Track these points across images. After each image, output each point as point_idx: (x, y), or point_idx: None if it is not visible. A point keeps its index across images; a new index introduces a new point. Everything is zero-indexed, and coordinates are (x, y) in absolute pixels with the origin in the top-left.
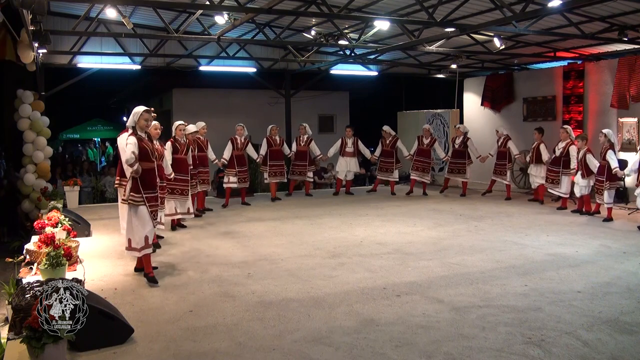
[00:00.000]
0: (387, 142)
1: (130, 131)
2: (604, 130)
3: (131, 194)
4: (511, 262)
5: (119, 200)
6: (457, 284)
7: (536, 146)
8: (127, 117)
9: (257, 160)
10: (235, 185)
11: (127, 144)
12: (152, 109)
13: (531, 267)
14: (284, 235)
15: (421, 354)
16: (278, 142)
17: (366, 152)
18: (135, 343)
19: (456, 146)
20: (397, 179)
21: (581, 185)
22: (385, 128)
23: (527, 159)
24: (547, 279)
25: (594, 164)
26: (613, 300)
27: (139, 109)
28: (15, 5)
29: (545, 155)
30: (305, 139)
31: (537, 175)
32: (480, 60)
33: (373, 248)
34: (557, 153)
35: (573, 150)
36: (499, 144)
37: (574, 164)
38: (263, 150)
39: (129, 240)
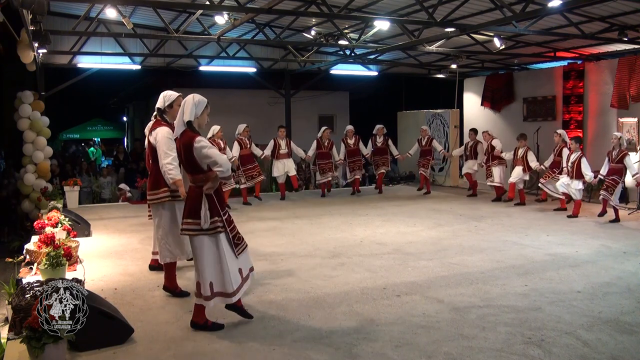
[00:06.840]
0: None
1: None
2: (559, 131)
3: (214, 217)
4: (511, 262)
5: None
6: (457, 284)
7: (473, 144)
8: (127, 117)
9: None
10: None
11: (206, 146)
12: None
13: (531, 267)
14: (284, 235)
15: (421, 354)
16: (248, 144)
17: (299, 151)
18: (135, 343)
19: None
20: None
21: (518, 178)
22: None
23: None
24: (547, 279)
25: (532, 158)
26: (613, 300)
27: (202, 99)
28: (15, 5)
29: (481, 154)
30: (247, 142)
31: (470, 168)
32: (480, 60)
33: (373, 248)
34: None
35: (497, 143)
36: (423, 143)
37: (497, 152)
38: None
39: (211, 284)
